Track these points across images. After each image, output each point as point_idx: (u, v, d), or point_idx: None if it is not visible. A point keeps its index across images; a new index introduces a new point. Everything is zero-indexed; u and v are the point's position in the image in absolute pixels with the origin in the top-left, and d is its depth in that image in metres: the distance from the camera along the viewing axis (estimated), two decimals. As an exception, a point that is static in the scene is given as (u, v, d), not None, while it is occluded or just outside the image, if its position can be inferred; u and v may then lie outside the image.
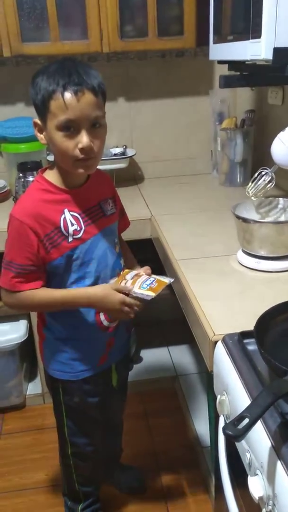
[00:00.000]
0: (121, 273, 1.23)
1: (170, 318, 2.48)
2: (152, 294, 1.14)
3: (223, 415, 0.97)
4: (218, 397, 0.98)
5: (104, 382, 1.37)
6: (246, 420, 0.67)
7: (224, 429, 0.68)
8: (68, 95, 1.03)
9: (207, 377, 1.51)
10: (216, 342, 1.04)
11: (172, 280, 1.22)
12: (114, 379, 1.41)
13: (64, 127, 1.06)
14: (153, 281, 1.17)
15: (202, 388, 2.08)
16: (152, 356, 2.34)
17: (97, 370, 1.31)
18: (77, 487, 1.50)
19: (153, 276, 1.21)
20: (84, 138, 1.06)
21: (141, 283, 1.16)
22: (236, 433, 0.64)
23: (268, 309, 0.95)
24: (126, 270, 1.24)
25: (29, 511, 1.67)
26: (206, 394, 1.70)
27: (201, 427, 1.87)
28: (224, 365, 0.97)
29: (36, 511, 1.66)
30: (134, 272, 1.22)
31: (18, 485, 1.76)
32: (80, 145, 1.06)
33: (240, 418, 0.68)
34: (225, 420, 0.97)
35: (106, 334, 1.29)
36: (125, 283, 1.18)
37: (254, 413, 0.65)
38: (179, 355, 2.34)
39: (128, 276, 1.20)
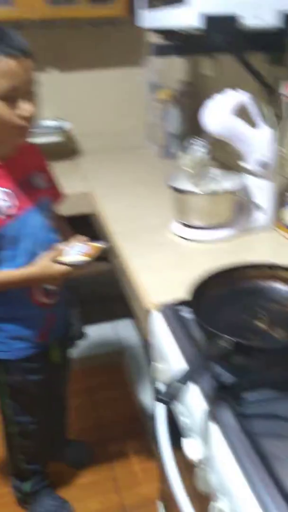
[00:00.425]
0: (56, 246, 1.21)
1: (113, 293, 2.47)
2: (87, 258, 1.15)
3: (159, 381, 0.98)
4: (155, 364, 0.99)
5: (45, 359, 1.35)
6: (178, 384, 0.68)
7: (156, 394, 0.69)
8: (9, 61, 0.98)
9: (145, 345, 1.53)
10: (151, 311, 1.04)
11: (106, 244, 1.23)
12: (55, 356, 1.39)
13: (6, 96, 1.00)
14: (87, 248, 1.18)
15: (147, 361, 2.11)
16: (96, 332, 2.33)
17: (37, 348, 1.30)
18: (24, 466, 1.49)
19: (88, 243, 1.20)
20: (26, 105, 1.03)
21: (76, 251, 1.17)
22: (166, 397, 0.64)
23: (201, 277, 0.96)
24: (61, 243, 1.22)
25: (-25, 493, 1.64)
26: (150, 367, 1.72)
27: (147, 398, 1.90)
28: (160, 333, 0.98)
29: (-18, 493, 1.64)
30: (69, 243, 1.21)
31: None
32: (24, 113, 1.03)
33: (172, 382, 0.69)
34: (160, 387, 0.98)
35: (44, 310, 1.27)
36: (60, 253, 1.17)
37: (184, 377, 0.66)
38: (124, 330, 2.36)
39: (62, 246, 1.19)
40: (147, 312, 1.05)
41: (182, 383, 0.66)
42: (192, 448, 0.75)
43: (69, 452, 1.71)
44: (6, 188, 1.13)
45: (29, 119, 1.05)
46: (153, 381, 1.02)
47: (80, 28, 2.13)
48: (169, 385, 0.66)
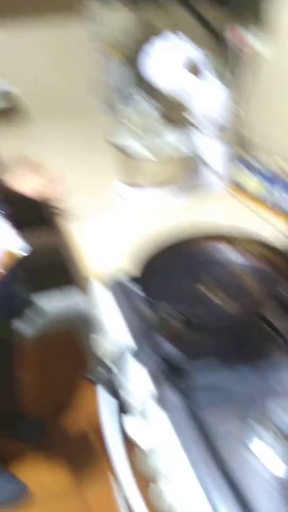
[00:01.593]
0: None
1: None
2: None
3: (100, 355, 0.91)
4: (95, 336, 0.92)
5: None
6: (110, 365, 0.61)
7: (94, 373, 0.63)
8: None
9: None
10: (93, 282, 0.96)
11: (26, 251, 1.05)
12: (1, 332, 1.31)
13: None
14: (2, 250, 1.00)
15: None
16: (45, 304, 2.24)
17: None
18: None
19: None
20: None
21: None
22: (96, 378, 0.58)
23: (146, 248, 0.88)
24: None
25: None
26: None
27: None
28: (102, 304, 0.91)
29: None
30: None
31: None
32: None
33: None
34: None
35: None
36: None
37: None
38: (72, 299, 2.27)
39: None
40: (88, 281, 0.97)
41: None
42: (133, 427, 0.69)
43: (22, 428, 1.65)
44: None
45: None
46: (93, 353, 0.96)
47: None
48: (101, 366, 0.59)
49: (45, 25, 2.08)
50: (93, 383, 0.61)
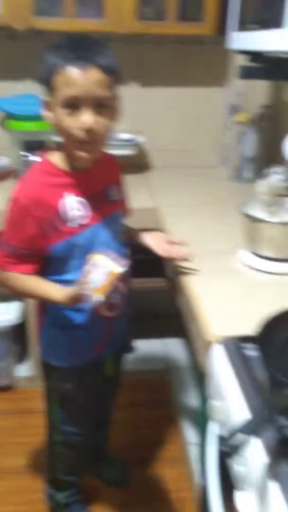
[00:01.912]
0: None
1: (166, 310, 2.44)
2: (100, 297, 1.04)
3: (214, 420, 0.94)
4: (211, 401, 0.95)
5: (98, 372, 1.34)
6: (241, 436, 0.63)
7: (219, 443, 0.65)
8: (73, 70, 0.98)
9: (199, 376, 1.48)
10: (212, 344, 1.00)
11: (124, 267, 1.07)
12: (109, 369, 1.38)
13: (68, 104, 1.01)
14: (106, 273, 1.04)
15: (195, 383, 2.06)
16: (145, 347, 2.30)
17: (92, 359, 1.29)
18: (61, 476, 1.48)
19: (106, 266, 1.06)
20: (86, 117, 1.01)
21: (93, 280, 1.04)
22: (231, 450, 0.60)
23: (273, 314, 0.91)
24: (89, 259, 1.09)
25: (10, 495, 1.64)
26: (198, 393, 1.67)
27: (190, 422, 1.85)
28: (220, 369, 0.94)
29: (16, 496, 1.64)
30: (91, 261, 1.07)
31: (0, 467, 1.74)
32: (82, 125, 1.01)
33: (235, 432, 0.64)
34: (217, 428, 0.93)
35: (105, 323, 1.25)
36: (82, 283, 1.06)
37: (248, 429, 0.62)
38: (172, 348, 2.31)
39: (88, 268, 1.07)
40: (207, 344, 1.01)
41: (246, 434, 0.61)
42: (245, 503, 0.69)
43: (105, 468, 1.68)
44: (81, 198, 1.13)
45: (89, 132, 1.02)
46: (203, 414, 0.98)
47: (166, 44, 2.14)
48: (231, 435, 0.62)
49: (189, 91, 2.25)
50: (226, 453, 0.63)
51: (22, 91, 2.09)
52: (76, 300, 1.09)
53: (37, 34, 1.99)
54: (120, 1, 1.81)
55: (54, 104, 1.04)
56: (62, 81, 0.99)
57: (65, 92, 1.00)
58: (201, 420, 1.48)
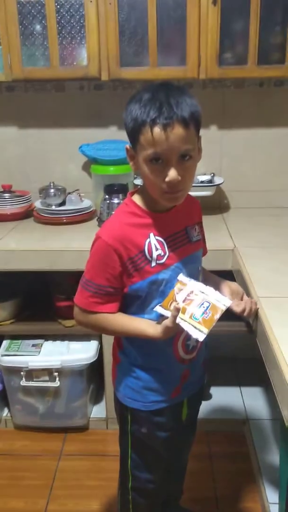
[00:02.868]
0: (173, 289, 1.09)
1: (245, 356, 2.35)
2: (203, 332, 1.02)
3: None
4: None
5: (174, 417, 1.29)
6: None
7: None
8: (156, 130, 1.00)
9: (282, 429, 1.38)
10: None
11: (229, 303, 1.07)
12: (184, 414, 1.33)
13: (152, 160, 1.03)
14: (207, 307, 1.04)
15: (275, 437, 1.93)
16: (222, 394, 2.21)
17: (169, 403, 1.25)
18: (131, 524, 1.42)
19: (208, 297, 1.06)
20: (171, 172, 1.03)
21: (192, 313, 1.03)
22: None
23: None
24: (178, 285, 1.09)
25: None
26: (279, 447, 1.56)
27: (269, 479, 1.72)
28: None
29: None
30: (187, 290, 1.08)
31: (72, 511, 1.71)
32: (167, 179, 1.04)
33: None
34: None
35: (182, 365, 1.23)
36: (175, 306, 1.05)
37: None
38: (251, 397, 2.20)
39: (180, 297, 1.07)
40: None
41: None
42: None
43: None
44: (163, 237, 1.14)
45: (174, 185, 1.04)
46: (285, 473, 0.90)
47: (246, 86, 2.15)
48: None
49: (268, 132, 2.24)
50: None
51: (104, 137, 2.19)
52: (170, 332, 1.08)
53: (121, 82, 2.10)
54: (202, 48, 1.86)
55: (139, 157, 1.07)
56: (146, 140, 1.02)
57: (149, 150, 1.02)
58: (283, 479, 1.37)
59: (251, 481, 1.80)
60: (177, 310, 1.05)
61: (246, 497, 1.73)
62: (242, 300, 1.27)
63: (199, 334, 1.03)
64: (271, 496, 1.64)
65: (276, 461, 1.63)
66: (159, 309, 1.08)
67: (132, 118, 1.04)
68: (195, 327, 1.03)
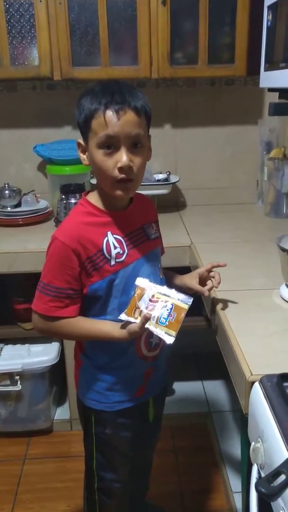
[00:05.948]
0: (134, 295, 1.09)
1: (205, 351, 2.39)
2: (172, 335, 1.04)
3: (256, 464, 0.88)
4: (252, 444, 0.90)
5: (139, 416, 1.30)
6: (282, 477, 0.59)
7: (256, 485, 0.61)
8: (109, 112, 1.02)
9: (241, 418, 1.42)
10: (253, 383, 0.96)
11: (190, 301, 1.09)
12: (150, 414, 1.34)
13: (104, 144, 1.04)
14: (171, 309, 1.05)
15: (236, 427, 1.97)
16: (184, 389, 2.25)
17: (133, 402, 1.25)
18: (98, 524, 1.42)
19: (169, 298, 1.07)
20: (123, 156, 1.04)
21: (158, 317, 1.05)
22: (270, 491, 0.57)
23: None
24: (138, 291, 1.09)
25: None
26: (240, 436, 1.60)
27: (233, 470, 1.76)
28: (260, 409, 0.89)
29: None
30: (148, 295, 1.08)
31: (38, 514, 1.70)
32: (119, 164, 1.04)
33: (276, 473, 0.60)
34: (258, 471, 0.88)
35: (145, 363, 1.23)
36: (139, 313, 1.06)
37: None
38: (213, 391, 2.24)
39: (142, 304, 1.07)
40: (247, 382, 0.97)
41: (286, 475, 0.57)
42: None
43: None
44: (121, 236, 1.14)
45: (126, 171, 1.05)
46: (245, 458, 0.93)
47: (198, 86, 2.19)
48: (272, 476, 0.58)
49: (221, 131, 2.28)
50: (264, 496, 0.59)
51: (59, 138, 2.18)
52: (137, 336, 1.08)
53: (74, 82, 2.09)
54: (153, 48, 1.88)
55: (91, 146, 1.07)
56: (98, 124, 1.03)
57: (101, 133, 1.03)
58: (244, 465, 1.41)
59: (215, 472, 1.83)
60: (146, 318, 1.04)
61: (211, 488, 1.77)
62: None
63: (168, 337, 1.04)
64: (235, 485, 1.69)
65: (238, 451, 1.67)
66: (124, 317, 1.07)
67: (84, 108, 1.06)
68: (163, 331, 1.04)
